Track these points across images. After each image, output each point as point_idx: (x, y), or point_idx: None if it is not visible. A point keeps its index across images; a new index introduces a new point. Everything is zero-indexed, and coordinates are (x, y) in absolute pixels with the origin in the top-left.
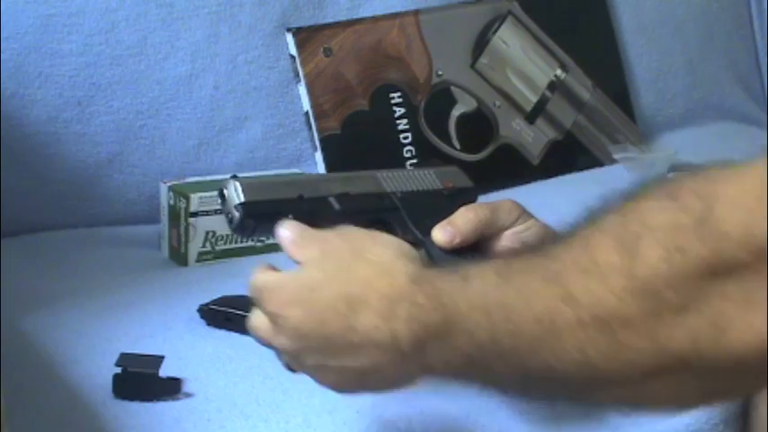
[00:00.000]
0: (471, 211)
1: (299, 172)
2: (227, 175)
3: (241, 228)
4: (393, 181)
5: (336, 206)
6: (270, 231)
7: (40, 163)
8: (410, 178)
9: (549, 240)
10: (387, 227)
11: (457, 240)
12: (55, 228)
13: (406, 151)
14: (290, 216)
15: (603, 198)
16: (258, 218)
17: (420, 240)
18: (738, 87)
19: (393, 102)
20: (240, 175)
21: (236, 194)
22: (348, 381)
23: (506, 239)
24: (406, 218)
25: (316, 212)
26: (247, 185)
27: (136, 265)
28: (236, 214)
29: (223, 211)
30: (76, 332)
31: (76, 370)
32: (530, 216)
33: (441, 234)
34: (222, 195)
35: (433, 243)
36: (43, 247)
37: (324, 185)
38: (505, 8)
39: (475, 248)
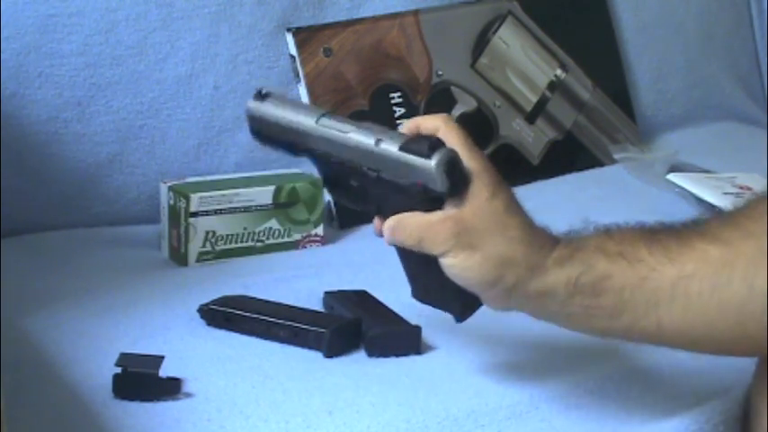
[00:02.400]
0: (417, 225)
1: (300, 173)
2: (227, 176)
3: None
4: (370, 160)
5: (317, 161)
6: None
7: (40, 163)
8: (386, 162)
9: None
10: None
11: (396, 243)
12: (55, 228)
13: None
14: (284, 151)
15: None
16: (263, 141)
17: (375, 211)
18: (738, 87)
19: (393, 102)
20: (242, 174)
21: (248, 120)
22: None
23: (442, 265)
24: (373, 196)
25: (304, 155)
26: (256, 119)
27: (136, 265)
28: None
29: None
30: (76, 332)
31: (76, 370)
32: (464, 248)
33: (387, 230)
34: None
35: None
36: (43, 247)
37: (311, 140)
38: (505, 8)
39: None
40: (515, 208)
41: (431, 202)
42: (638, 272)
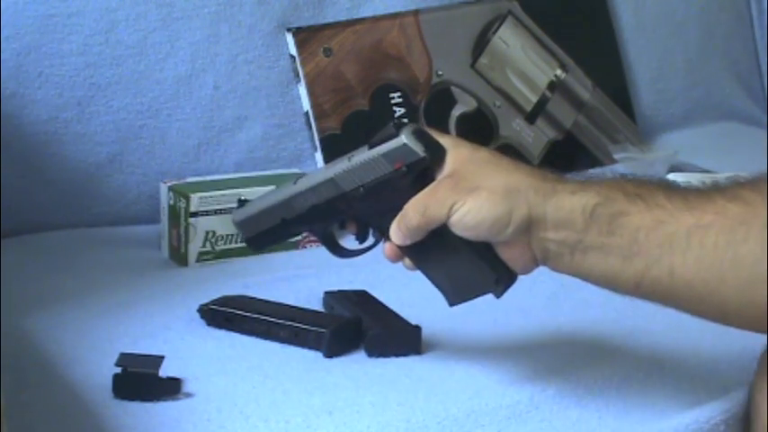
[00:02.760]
0: (418, 202)
1: (300, 172)
2: (227, 176)
3: (253, 250)
4: (349, 179)
5: (313, 219)
6: (278, 243)
7: (40, 163)
8: (362, 169)
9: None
10: (358, 223)
11: (409, 240)
12: (55, 228)
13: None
14: (284, 235)
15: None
16: (262, 244)
17: (385, 237)
18: (738, 87)
19: (393, 102)
20: (242, 174)
21: (238, 231)
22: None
23: (454, 226)
24: (372, 216)
25: (302, 226)
26: (241, 224)
27: (136, 265)
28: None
29: None
30: (77, 332)
31: (76, 370)
32: (468, 193)
33: (395, 235)
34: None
35: None
36: (43, 247)
37: (295, 203)
38: (505, 8)
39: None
40: (501, 155)
41: (419, 182)
42: (656, 215)
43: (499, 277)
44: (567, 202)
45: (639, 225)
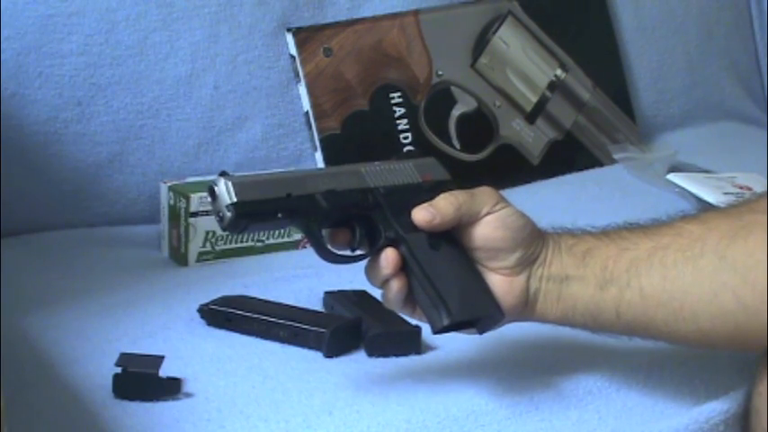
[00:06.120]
0: (451, 196)
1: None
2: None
3: (233, 227)
4: (375, 176)
5: (323, 203)
6: (258, 230)
7: (40, 163)
8: (391, 172)
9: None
10: (370, 223)
11: (437, 221)
12: (55, 228)
13: (407, 151)
14: (278, 215)
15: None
16: (249, 217)
17: (401, 237)
18: (738, 87)
19: (393, 102)
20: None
21: (227, 194)
22: None
23: (487, 225)
24: (389, 215)
25: (303, 210)
26: (238, 184)
27: (136, 265)
28: (228, 214)
29: (213, 209)
30: (76, 332)
31: (76, 370)
32: (508, 203)
33: (421, 214)
34: (212, 194)
35: (413, 238)
36: (43, 247)
37: (310, 182)
38: (505, 8)
39: (452, 236)
40: None
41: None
42: (619, 245)
43: (498, 308)
44: (550, 241)
45: (607, 255)
